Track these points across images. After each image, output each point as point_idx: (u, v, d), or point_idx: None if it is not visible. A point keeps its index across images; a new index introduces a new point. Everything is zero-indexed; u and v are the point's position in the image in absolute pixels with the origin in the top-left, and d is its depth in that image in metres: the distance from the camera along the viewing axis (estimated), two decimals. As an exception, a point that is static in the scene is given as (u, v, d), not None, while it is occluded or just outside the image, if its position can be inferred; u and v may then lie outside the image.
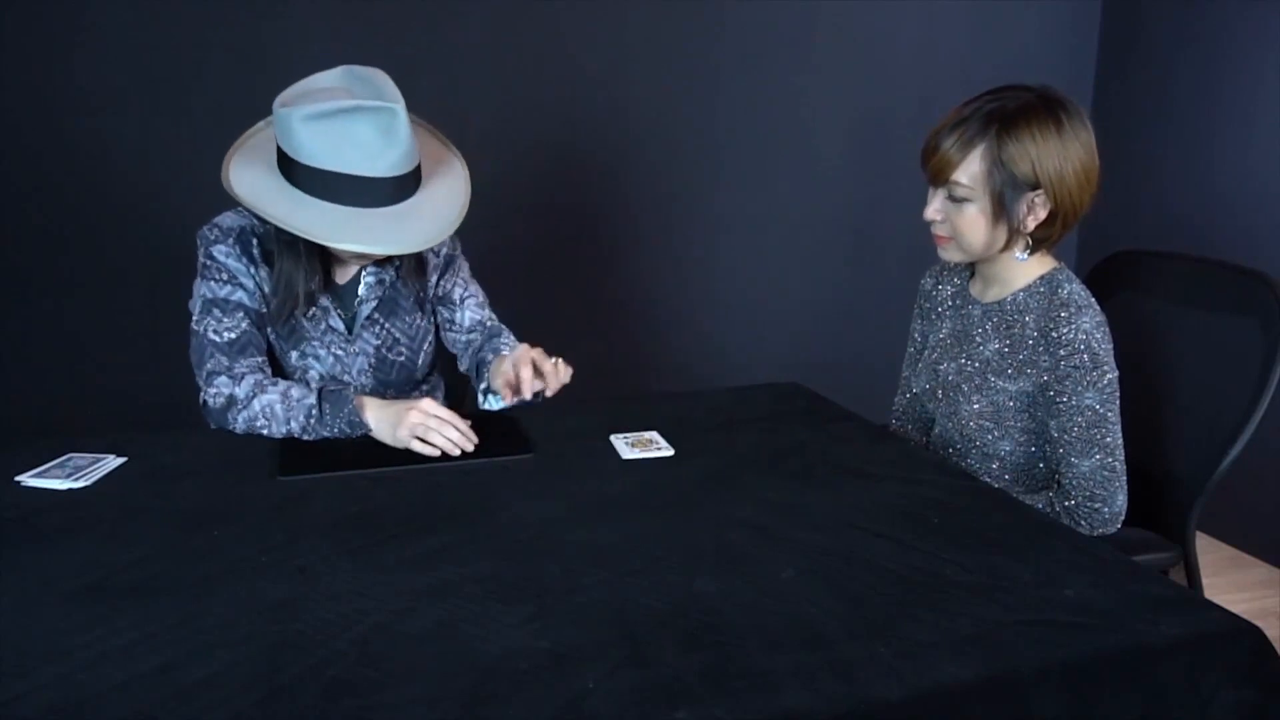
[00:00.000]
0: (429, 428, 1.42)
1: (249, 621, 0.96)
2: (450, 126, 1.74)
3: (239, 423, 1.52)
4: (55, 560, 1.10)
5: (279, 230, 1.48)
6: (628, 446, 1.46)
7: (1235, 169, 2.73)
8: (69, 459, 1.41)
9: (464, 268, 1.78)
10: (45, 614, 0.98)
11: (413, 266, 1.68)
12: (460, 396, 1.93)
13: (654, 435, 1.50)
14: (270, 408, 1.50)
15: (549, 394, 1.54)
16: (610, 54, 2.74)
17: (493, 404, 1.61)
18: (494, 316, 1.79)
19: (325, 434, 1.49)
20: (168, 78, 2.42)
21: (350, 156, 1.40)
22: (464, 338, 1.76)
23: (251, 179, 1.47)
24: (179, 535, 1.17)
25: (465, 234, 1.80)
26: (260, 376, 1.55)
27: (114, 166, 2.44)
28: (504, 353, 1.63)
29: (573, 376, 1.56)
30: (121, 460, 1.41)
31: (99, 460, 1.41)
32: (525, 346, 1.56)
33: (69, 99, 2.38)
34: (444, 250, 1.74)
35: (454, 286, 1.76)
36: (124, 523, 1.21)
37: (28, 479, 1.34)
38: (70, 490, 1.31)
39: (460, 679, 0.86)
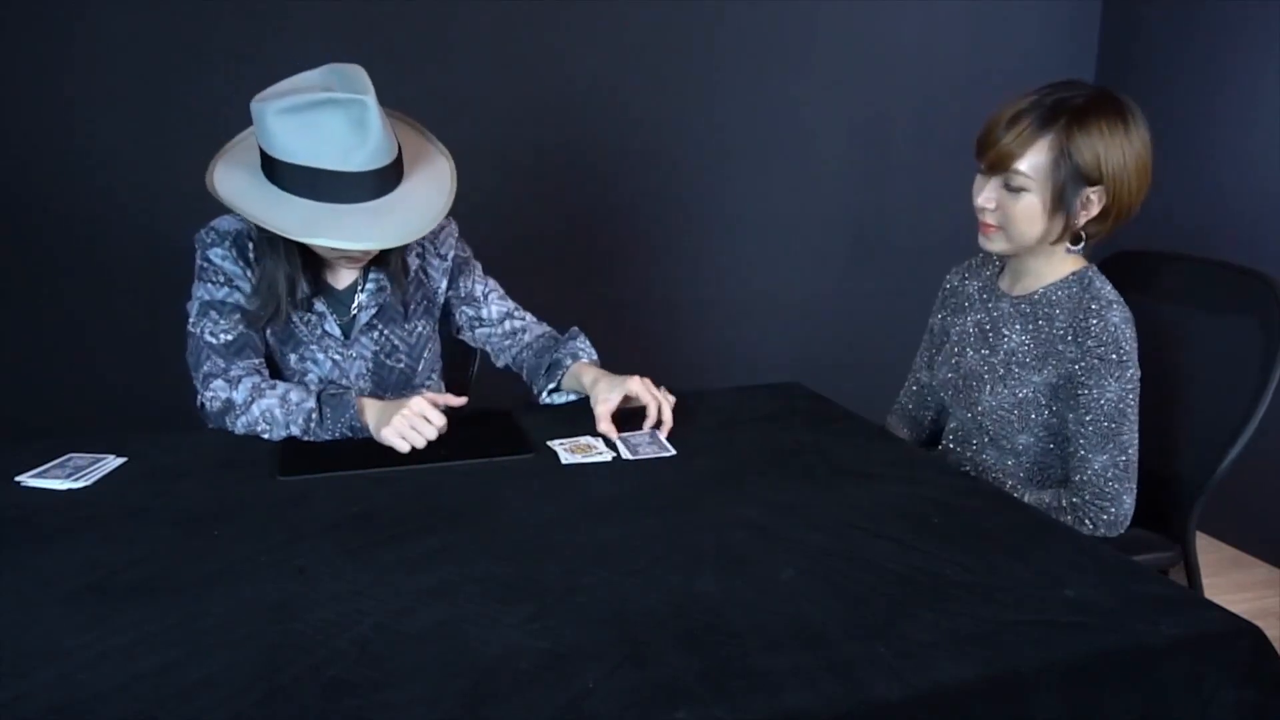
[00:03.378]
0: (412, 428, 1.43)
1: (249, 621, 0.96)
2: (451, 128, 1.74)
3: (238, 426, 1.52)
4: (55, 560, 1.10)
5: (261, 230, 1.48)
6: (566, 453, 1.44)
7: (1235, 169, 2.73)
8: (69, 459, 1.41)
9: (477, 267, 1.78)
10: (45, 614, 0.98)
11: (398, 270, 1.65)
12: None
13: (592, 440, 1.49)
14: (269, 412, 1.50)
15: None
16: (611, 55, 2.73)
17: (555, 399, 1.66)
18: (518, 306, 1.79)
19: (326, 437, 1.49)
20: (169, 78, 2.42)
21: (324, 151, 1.40)
22: (498, 330, 1.75)
23: (234, 179, 1.47)
24: (179, 535, 1.17)
25: (467, 234, 1.81)
26: (258, 380, 1.55)
27: (114, 167, 2.44)
28: (580, 359, 1.63)
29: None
30: (121, 460, 1.41)
31: (99, 460, 1.41)
32: (637, 379, 1.52)
33: (69, 99, 2.38)
34: (452, 254, 1.73)
35: (474, 284, 1.76)
36: (124, 523, 1.21)
37: (28, 479, 1.34)
38: (70, 490, 1.31)
39: (460, 679, 0.86)
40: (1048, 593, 1.01)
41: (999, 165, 1.41)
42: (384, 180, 1.46)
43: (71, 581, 1.04)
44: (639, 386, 1.51)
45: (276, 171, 1.43)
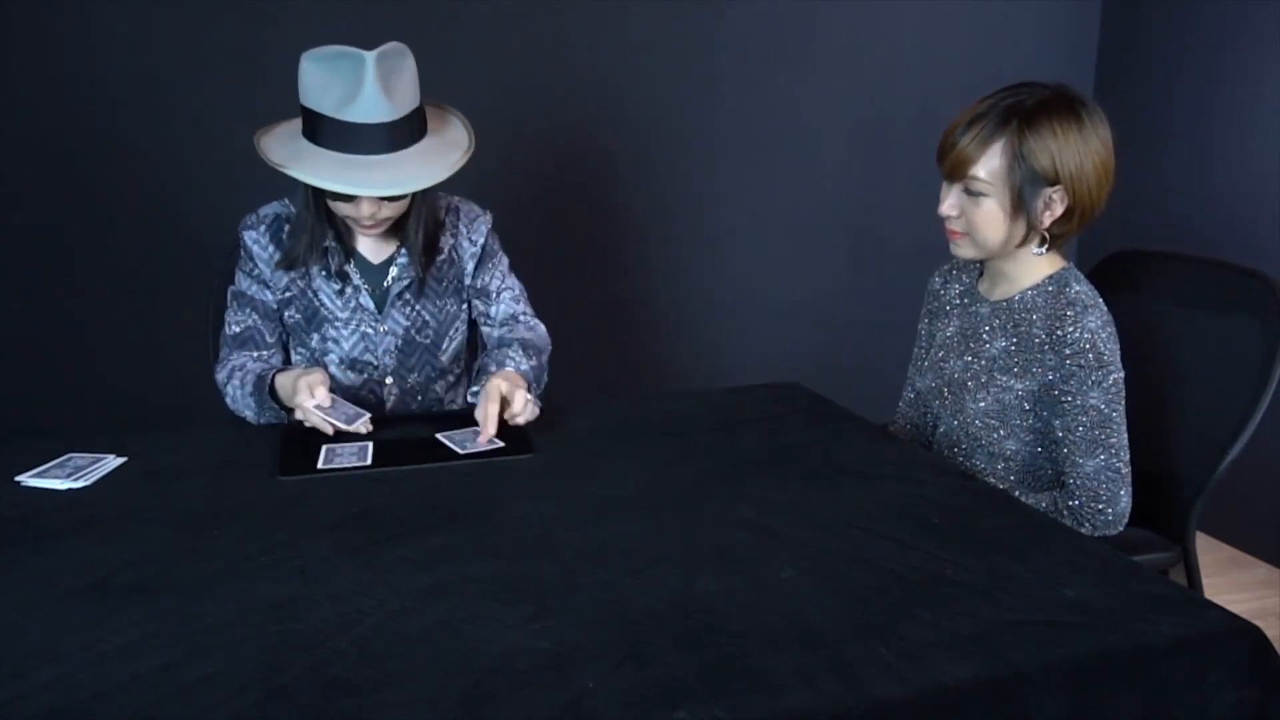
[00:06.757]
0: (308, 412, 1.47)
1: (249, 621, 0.96)
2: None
3: (230, 403, 1.64)
4: (55, 560, 1.10)
5: (301, 191, 1.58)
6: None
7: (1236, 169, 2.73)
8: (69, 459, 1.41)
9: (503, 261, 1.78)
10: (45, 614, 0.98)
11: (417, 244, 1.65)
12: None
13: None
14: (234, 395, 1.61)
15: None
16: (611, 54, 2.73)
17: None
18: (529, 312, 1.78)
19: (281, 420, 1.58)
20: (171, 79, 2.42)
21: (330, 99, 1.45)
22: (495, 332, 1.76)
23: (279, 138, 1.56)
24: (179, 535, 1.17)
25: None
26: (234, 364, 1.63)
27: (116, 167, 2.44)
28: (505, 368, 1.59)
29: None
30: (121, 460, 1.41)
31: (99, 460, 1.41)
32: (499, 377, 1.50)
33: (71, 99, 2.38)
34: (482, 242, 1.74)
35: (491, 279, 1.76)
36: (124, 523, 1.21)
37: (28, 479, 1.34)
38: (70, 490, 1.31)
39: (460, 679, 0.86)
40: (1048, 593, 1.01)
41: (957, 172, 1.43)
42: (396, 136, 1.49)
43: (71, 581, 1.04)
44: (494, 387, 1.47)
45: (306, 123, 1.51)
